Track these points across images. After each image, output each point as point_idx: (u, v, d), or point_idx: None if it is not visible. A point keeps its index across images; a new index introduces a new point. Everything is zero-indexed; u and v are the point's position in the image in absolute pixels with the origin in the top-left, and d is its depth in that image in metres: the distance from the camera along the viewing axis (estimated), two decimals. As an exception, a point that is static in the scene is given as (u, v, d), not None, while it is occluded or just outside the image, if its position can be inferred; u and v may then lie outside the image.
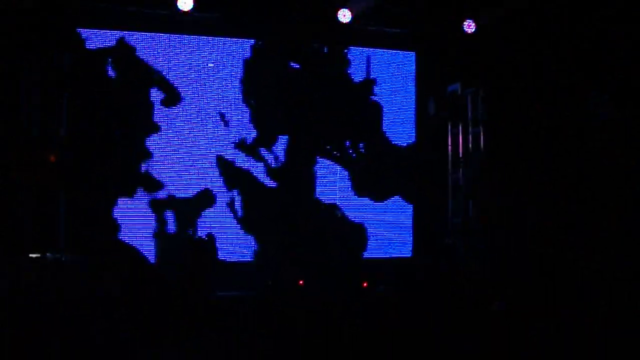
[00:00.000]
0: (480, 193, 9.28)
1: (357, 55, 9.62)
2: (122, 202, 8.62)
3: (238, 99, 9.16)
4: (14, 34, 7.89)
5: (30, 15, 7.93)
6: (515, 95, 9.35)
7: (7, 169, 7.73)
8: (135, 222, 8.66)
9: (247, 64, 9.19)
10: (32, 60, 7.98)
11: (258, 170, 9.18)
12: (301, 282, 8.39)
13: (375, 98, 9.68)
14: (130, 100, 8.74)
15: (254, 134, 9.18)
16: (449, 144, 9.66)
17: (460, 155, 9.54)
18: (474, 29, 9.38)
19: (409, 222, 9.80)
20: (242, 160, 9.13)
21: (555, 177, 8.83)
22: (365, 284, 8.77)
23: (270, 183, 9.19)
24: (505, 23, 9.25)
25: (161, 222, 8.76)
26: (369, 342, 6.67)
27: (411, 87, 9.90)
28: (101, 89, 8.53)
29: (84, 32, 8.54)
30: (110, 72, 8.64)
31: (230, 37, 9.17)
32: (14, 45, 7.89)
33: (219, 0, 8.74)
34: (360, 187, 9.49)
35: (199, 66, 9.04)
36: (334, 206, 9.35)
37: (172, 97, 8.90)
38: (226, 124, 9.09)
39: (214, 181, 9.00)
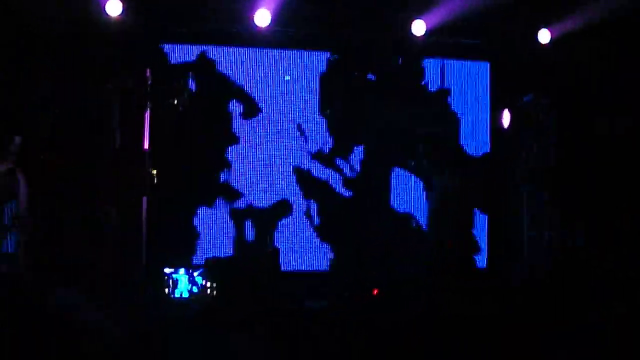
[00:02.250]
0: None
1: (431, 66, 9.69)
2: (202, 211, 8.91)
3: (314, 111, 9.34)
4: (99, 50, 8.25)
5: (116, 32, 8.28)
6: (589, 106, 9.30)
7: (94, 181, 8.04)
8: (214, 230, 8.93)
9: (323, 76, 9.37)
10: (116, 75, 8.33)
11: (334, 180, 9.33)
12: (375, 291, 8.43)
13: (450, 108, 9.73)
14: (211, 113, 9.01)
15: (330, 144, 9.35)
16: (523, 154, 9.62)
17: (533, 166, 9.49)
18: (548, 39, 9.35)
19: (483, 232, 9.79)
20: (318, 171, 9.31)
21: (629, 187, 8.74)
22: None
23: (347, 193, 9.32)
24: (579, 33, 9.19)
25: (240, 230, 9.00)
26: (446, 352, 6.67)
27: (485, 97, 9.90)
28: (182, 103, 8.82)
29: (166, 47, 8.87)
30: (192, 86, 8.93)
31: (306, 50, 9.36)
32: (100, 61, 8.25)
33: (295, 15, 8.94)
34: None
35: (276, 79, 9.26)
36: (408, 215, 9.42)
37: (251, 109, 9.13)
38: (303, 134, 9.27)
39: (291, 191, 9.20)
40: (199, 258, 8.72)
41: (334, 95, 9.37)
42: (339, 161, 9.33)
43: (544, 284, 8.85)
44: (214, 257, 8.56)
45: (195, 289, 8.23)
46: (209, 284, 8.04)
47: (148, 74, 8.51)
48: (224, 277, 7.89)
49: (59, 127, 7.88)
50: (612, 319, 6.77)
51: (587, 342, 6.10)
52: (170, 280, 8.24)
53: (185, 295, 8.27)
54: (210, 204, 8.94)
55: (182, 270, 8.33)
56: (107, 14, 8.15)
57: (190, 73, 8.93)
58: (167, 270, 8.32)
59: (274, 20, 8.72)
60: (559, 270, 8.94)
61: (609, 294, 7.94)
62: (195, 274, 8.29)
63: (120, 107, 8.29)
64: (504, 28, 9.41)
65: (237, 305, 7.56)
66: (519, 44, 9.49)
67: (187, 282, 8.27)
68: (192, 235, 8.85)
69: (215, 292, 7.98)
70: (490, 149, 9.83)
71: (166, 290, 8.26)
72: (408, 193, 9.52)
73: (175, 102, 8.76)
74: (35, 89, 7.87)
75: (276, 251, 8.40)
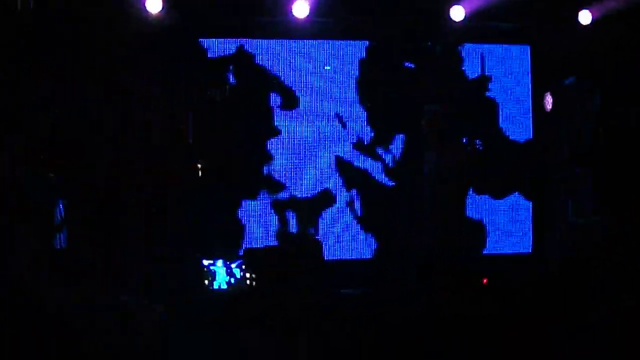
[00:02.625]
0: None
1: (470, 51, 9.61)
2: (246, 204, 8.98)
3: (354, 100, 9.33)
4: (139, 47, 8.35)
5: (154, 28, 8.36)
6: (632, 88, 9.17)
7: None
8: (258, 223, 9.00)
9: (362, 64, 9.35)
10: (157, 71, 8.43)
11: (376, 169, 9.33)
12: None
13: (490, 94, 9.66)
14: (251, 106, 9.06)
15: (371, 134, 9.34)
16: (566, 138, 9.54)
17: (577, 150, 9.41)
18: (589, 21, 9.23)
19: (528, 218, 9.73)
20: (360, 160, 9.31)
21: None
22: (485, 281, 8.73)
23: (389, 182, 9.32)
24: (622, 14, 9.06)
25: (283, 222, 9.05)
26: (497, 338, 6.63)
27: (526, 81, 9.81)
28: (223, 96, 8.88)
29: (205, 42, 8.93)
30: (231, 80, 8.98)
31: (345, 40, 9.35)
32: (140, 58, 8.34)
33: (333, 4, 8.93)
34: (479, 186, 9.48)
35: (315, 69, 9.27)
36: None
37: (291, 101, 9.16)
38: (344, 125, 9.28)
39: (334, 181, 9.22)
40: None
41: (374, 85, 9.35)
42: (379, 150, 9.32)
43: (581, 270, 8.78)
44: (252, 248, 8.62)
45: (233, 281, 8.28)
46: (247, 275, 8.07)
47: (187, 68, 8.57)
48: (262, 267, 7.90)
49: (110, 121, 7.97)
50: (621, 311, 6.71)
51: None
52: (209, 272, 8.31)
53: (224, 287, 8.33)
54: (253, 196, 9.00)
55: (220, 262, 8.39)
56: (146, 10, 8.23)
57: (230, 66, 8.98)
58: (205, 262, 8.38)
59: (312, 11, 8.73)
60: (598, 256, 8.85)
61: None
62: (233, 265, 8.35)
63: (163, 101, 8.38)
64: (543, 10, 9.31)
65: (274, 296, 7.57)
66: (559, 26, 9.39)
67: (225, 274, 8.32)
68: (237, 228, 8.92)
69: (254, 283, 8.01)
70: (533, 133, 9.75)
71: (205, 282, 8.34)
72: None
73: (216, 95, 8.82)
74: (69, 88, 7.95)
75: (319, 244, 8.40)
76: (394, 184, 9.32)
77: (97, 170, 7.84)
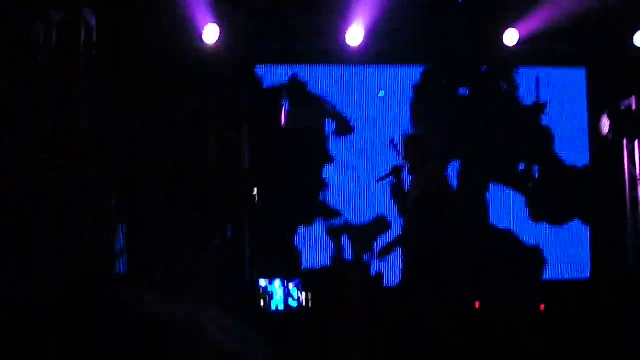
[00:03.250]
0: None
1: (525, 75, 9.57)
2: (302, 230, 9.04)
3: (408, 126, 9.34)
4: (194, 75, 8.48)
5: (212, 58, 8.50)
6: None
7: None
8: (314, 249, 9.04)
9: (416, 90, 9.37)
10: (214, 98, 8.55)
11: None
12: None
13: (546, 118, 9.59)
14: (306, 133, 9.13)
15: (425, 159, 9.31)
16: (626, 161, 9.40)
17: (637, 173, 9.26)
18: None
19: (586, 242, 9.59)
20: (414, 186, 9.27)
21: None
22: (542, 307, 8.62)
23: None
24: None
25: (338, 248, 9.07)
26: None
27: (582, 104, 9.71)
28: (278, 124, 8.98)
29: (261, 69, 9.05)
30: (286, 106, 9.07)
31: (399, 65, 9.38)
32: (197, 86, 8.47)
33: (385, 30, 8.97)
34: (537, 213, 9.37)
35: (369, 95, 9.30)
36: (507, 231, 9.28)
37: (345, 127, 9.21)
38: (397, 151, 9.28)
39: (388, 207, 9.20)
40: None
41: (428, 110, 9.35)
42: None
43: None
44: (309, 268, 8.66)
45: (290, 301, 8.28)
46: (304, 295, 8.08)
47: (244, 95, 8.69)
48: (320, 287, 7.87)
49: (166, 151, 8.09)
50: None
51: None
52: (265, 293, 8.34)
53: (281, 307, 8.34)
54: (309, 222, 9.05)
55: (277, 282, 8.41)
56: (204, 42, 8.38)
57: (284, 93, 9.07)
58: (262, 282, 8.41)
59: (366, 36, 8.78)
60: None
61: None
62: (291, 285, 8.36)
63: (219, 126, 8.49)
64: (598, 32, 9.23)
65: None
66: (615, 48, 9.30)
67: (282, 294, 8.33)
68: (294, 255, 8.97)
69: (311, 304, 8.00)
70: (590, 157, 9.63)
71: (262, 303, 8.36)
72: (506, 209, 9.41)
73: (271, 122, 8.93)
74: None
75: (380, 276, 8.36)
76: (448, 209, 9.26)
77: (159, 197, 7.95)
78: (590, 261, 9.55)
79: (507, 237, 9.22)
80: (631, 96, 9.31)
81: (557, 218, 9.50)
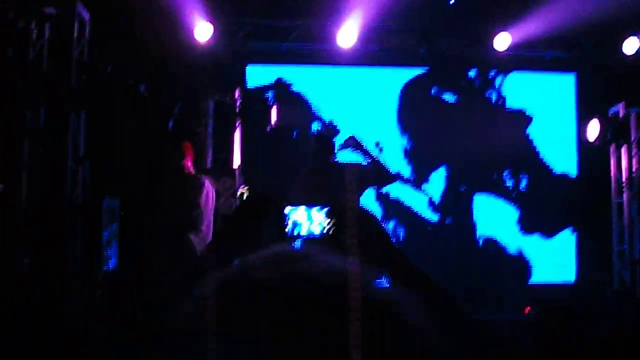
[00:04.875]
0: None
1: (514, 80, 9.60)
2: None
3: (395, 129, 9.33)
4: (190, 74, 8.46)
5: (204, 56, 8.48)
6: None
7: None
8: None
9: (405, 93, 9.37)
10: (207, 98, 8.53)
11: (419, 203, 9.32)
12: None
13: (534, 123, 9.62)
14: (294, 132, 9.12)
15: (411, 165, 9.34)
16: (613, 167, 9.45)
17: (624, 179, 9.31)
18: (635, 49, 9.18)
19: (572, 247, 9.63)
20: (400, 193, 9.29)
21: None
22: (527, 310, 8.66)
23: (430, 217, 9.29)
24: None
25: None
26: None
27: (571, 110, 9.76)
28: (268, 123, 8.95)
29: (252, 68, 9.04)
30: (277, 106, 9.05)
31: (389, 66, 9.38)
32: (192, 84, 8.44)
33: (377, 33, 8.97)
34: (527, 223, 9.38)
35: (358, 97, 9.29)
36: (493, 241, 9.29)
37: (332, 129, 9.19)
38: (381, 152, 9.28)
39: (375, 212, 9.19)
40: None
41: (416, 113, 9.36)
42: (420, 183, 9.29)
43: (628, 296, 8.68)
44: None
45: (314, 228, 7.95)
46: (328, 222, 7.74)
47: (237, 94, 8.66)
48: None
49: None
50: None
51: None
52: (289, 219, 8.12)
53: (305, 233, 8.10)
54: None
55: (302, 208, 8.19)
56: (195, 40, 8.35)
57: (275, 93, 9.06)
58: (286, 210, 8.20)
59: (358, 38, 8.78)
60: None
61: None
62: (315, 211, 8.09)
63: (213, 124, 8.47)
64: (589, 39, 9.28)
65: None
66: (605, 55, 9.34)
67: (307, 220, 8.07)
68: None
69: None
70: (578, 162, 9.68)
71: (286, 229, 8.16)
72: (493, 216, 9.43)
73: (262, 122, 8.89)
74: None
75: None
76: (437, 218, 9.26)
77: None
78: (577, 265, 9.61)
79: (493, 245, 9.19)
80: (620, 102, 9.37)
81: (549, 229, 9.51)
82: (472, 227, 9.34)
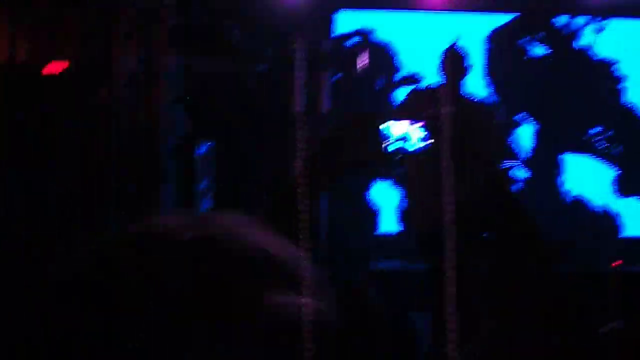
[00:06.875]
0: None
1: (607, 27, 9.21)
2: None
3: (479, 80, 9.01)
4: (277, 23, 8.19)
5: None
6: None
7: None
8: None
9: (492, 41, 9.09)
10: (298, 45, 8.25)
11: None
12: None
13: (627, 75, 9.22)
14: (380, 80, 8.90)
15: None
16: None
17: None
18: None
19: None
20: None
21: None
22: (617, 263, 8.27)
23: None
24: None
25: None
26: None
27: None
28: (356, 69, 8.75)
29: (340, 15, 8.78)
30: (365, 53, 8.82)
31: (474, 12, 9.04)
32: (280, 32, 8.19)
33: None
34: (626, 187, 9.13)
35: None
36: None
37: (417, 77, 8.93)
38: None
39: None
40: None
41: (502, 64, 9.07)
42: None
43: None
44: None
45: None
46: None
47: (326, 41, 8.46)
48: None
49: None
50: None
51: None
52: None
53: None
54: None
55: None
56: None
57: (363, 39, 8.84)
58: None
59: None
60: None
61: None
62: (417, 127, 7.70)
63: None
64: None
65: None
66: None
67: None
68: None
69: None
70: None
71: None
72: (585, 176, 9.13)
73: (349, 68, 8.72)
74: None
75: None
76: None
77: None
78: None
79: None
80: None
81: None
82: (562, 185, 9.08)
